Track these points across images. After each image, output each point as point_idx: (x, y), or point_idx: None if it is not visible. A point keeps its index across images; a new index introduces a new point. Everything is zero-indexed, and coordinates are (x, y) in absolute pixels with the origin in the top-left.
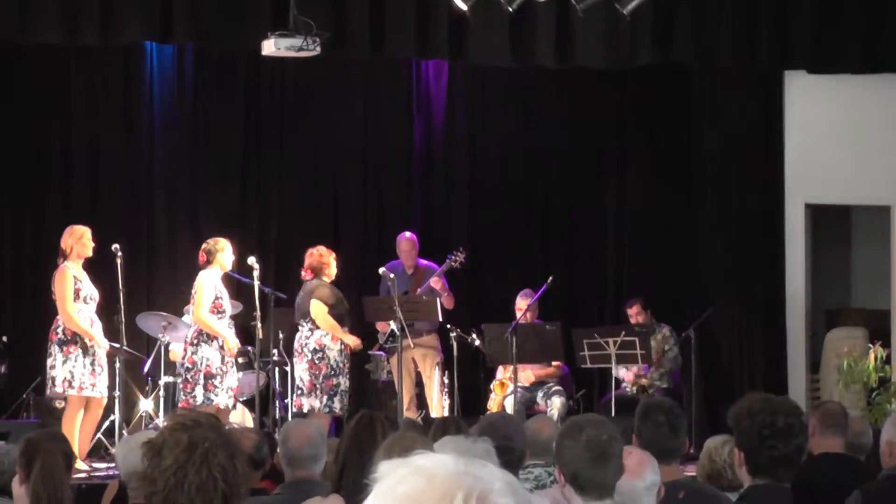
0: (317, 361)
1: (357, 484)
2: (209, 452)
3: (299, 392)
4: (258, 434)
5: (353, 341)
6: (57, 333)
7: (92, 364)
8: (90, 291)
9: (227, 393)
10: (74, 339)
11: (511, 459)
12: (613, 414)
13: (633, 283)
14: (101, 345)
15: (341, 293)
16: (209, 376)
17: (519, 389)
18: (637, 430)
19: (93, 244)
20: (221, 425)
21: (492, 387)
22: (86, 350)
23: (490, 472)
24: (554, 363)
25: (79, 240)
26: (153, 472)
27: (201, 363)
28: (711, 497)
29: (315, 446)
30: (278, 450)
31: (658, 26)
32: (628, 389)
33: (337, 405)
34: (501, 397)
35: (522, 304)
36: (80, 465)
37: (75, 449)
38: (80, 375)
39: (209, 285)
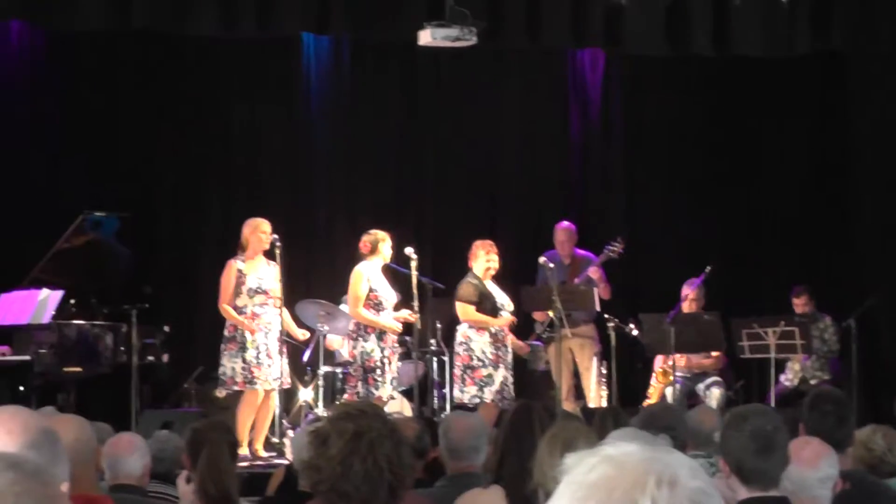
0: (462, 353)
1: (516, 474)
2: (375, 442)
3: (455, 382)
4: (420, 423)
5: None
6: (225, 330)
7: (256, 357)
8: (256, 284)
9: (391, 384)
10: (234, 335)
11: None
12: (773, 404)
13: (791, 272)
14: (250, 328)
15: (486, 287)
16: (369, 370)
17: (679, 379)
18: (804, 420)
19: (267, 237)
20: (386, 415)
21: (653, 375)
22: (244, 346)
23: (677, 458)
24: (713, 353)
25: (252, 232)
26: (319, 460)
27: (360, 358)
28: (877, 488)
29: (476, 437)
30: (440, 441)
31: (817, 13)
32: (788, 382)
33: (487, 395)
34: (662, 386)
35: (688, 290)
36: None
37: (242, 439)
38: (240, 370)
39: (363, 280)
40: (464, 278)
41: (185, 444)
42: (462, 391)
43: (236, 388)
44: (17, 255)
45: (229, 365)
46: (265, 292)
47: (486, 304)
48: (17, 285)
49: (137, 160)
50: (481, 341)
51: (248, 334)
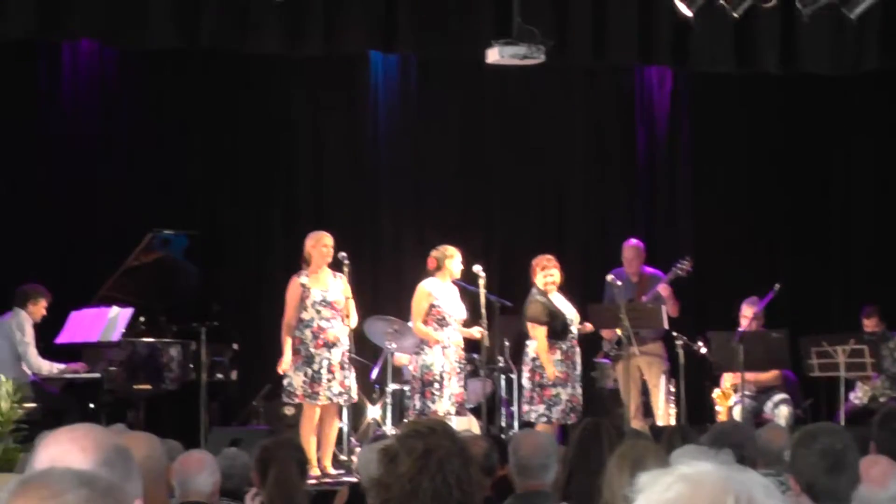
0: (534, 370)
1: (584, 492)
2: (444, 460)
3: (524, 400)
4: (488, 441)
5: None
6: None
7: (318, 372)
8: (321, 297)
9: (450, 400)
10: (299, 349)
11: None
12: (843, 423)
13: (860, 290)
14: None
15: (554, 304)
16: (427, 383)
17: (745, 398)
18: (875, 438)
19: (330, 250)
20: (455, 433)
21: (714, 397)
22: (310, 360)
23: (751, 477)
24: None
25: (315, 245)
26: (388, 478)
27: (420, 371)
28: None
29: (546, 456)
30: (509, 459)
31: (885, 30)
32: (858, 400)
33: (555, 414)
34: (726, 408)
35: (748, 311)
36: (315, 471)
37: (309, 455)
38: (301, 384)
39: (424, 296)
40: (529, 296)
41: (255, 461)
42: (531, 409)
43: (297, 400)
44: (87, 273)
45: (294, 378)
46: (331, 304)
47: (556, 324)
48: (88, 303)
49: (205, 178)
50: (551, 367)
51: (313, 348)
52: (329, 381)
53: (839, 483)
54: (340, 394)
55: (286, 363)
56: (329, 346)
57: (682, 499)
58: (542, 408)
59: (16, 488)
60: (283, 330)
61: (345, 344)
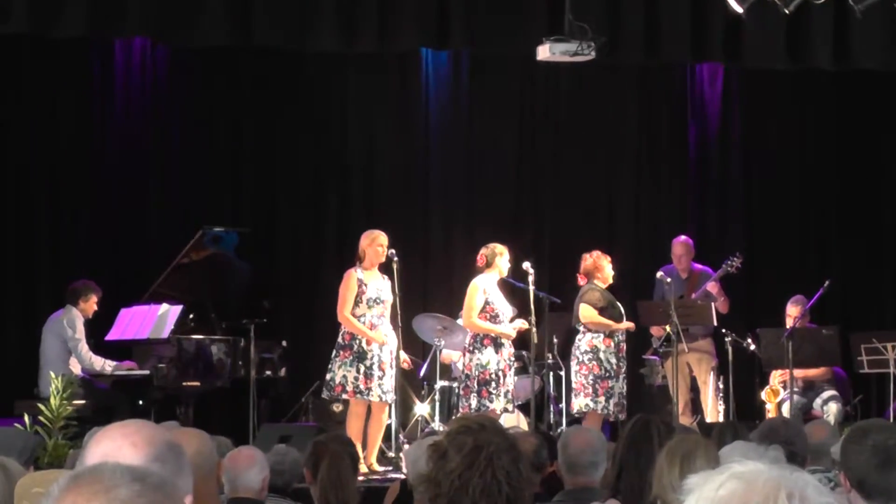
0: (588, 362)
1: (634, 488)
2: (494, 456)
3: (575, 395)
4: (537, 437)
5: (627, 325)
6: (339, 338)
7: (370, 368)
8: (375, 295)
9: (506, 397)
10: (350, 344)
11: (792, 464)
12: (893, 419)
13: None
14: (377, 339)
15: (613, 297)
16: (484, 383)
17: (794, 395)
18: None
19: (384, 249)
20: (505, 429)
21: (763, 395)
22: (362, 355)
23: (803, 476)
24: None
25: (370, 244)
26: (438, 474)
27: (475, 370)
28: None
29: (595, 452)
30: (558, 456)
31: None
32: None
33: (612, 408)
34: (775, 405)
35: (793, 310)
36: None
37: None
38: (352, 380)
39: (479, 291)
40: (587, 287)
41: (307, 456)
42: (595, 401)
43: (345, 396)
44: (139, 270)
45: (341, 373)
46: (383, 303)
47: (610, 312)
48: (138, 300)
49: (257, 175)
50: (608, 352)
51: (365, 344)
52: (380, 378)
53: (890, 479)
54: (388, 392)
55: (380, 336)
56: (380, 343)
57: (735, 496)
58: (603, 400)
59: (67, 483)
60: (344, 318)
61: (393, 342)
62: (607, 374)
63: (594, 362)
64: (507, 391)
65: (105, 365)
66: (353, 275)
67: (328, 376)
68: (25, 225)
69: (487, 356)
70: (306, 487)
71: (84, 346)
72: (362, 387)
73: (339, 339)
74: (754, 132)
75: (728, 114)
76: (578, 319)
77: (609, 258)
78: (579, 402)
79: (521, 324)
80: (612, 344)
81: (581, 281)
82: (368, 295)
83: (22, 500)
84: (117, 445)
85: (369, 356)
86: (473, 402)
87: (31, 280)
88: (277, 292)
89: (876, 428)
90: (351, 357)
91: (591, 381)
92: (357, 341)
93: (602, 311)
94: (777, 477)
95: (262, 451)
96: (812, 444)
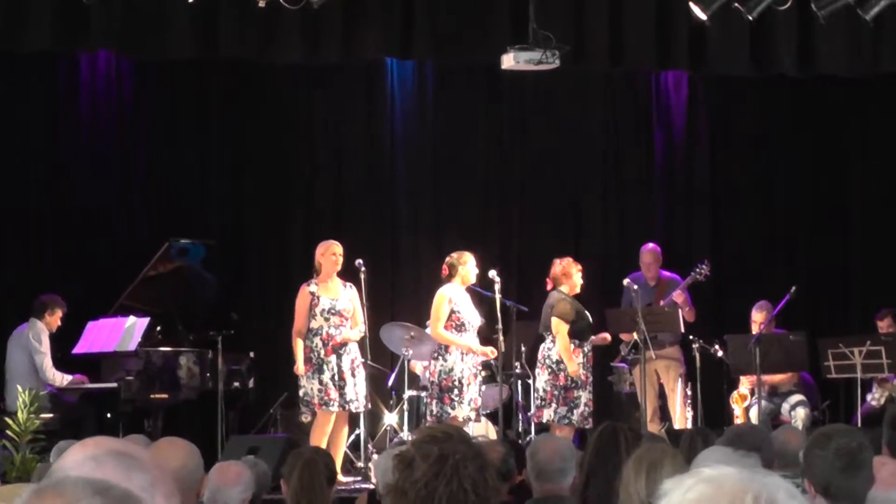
0: (557, 372)
1: (602, 496)
2: (460, 464)
3: (539, 403)
4: (505, 446)
5: (492, 351)
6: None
7: (332, 380)
8: (330, 305)
9: (469, 405)
10: (310, 357)
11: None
12: (860, 424)
13: (878, 292)
14: (487, 352)
15: (581, 306)
16: (446, 389)
17: (762, 401)
18: (887, 440)
19: (339, 258)
20: (471, 438)
21: (731, 400)
22: (320, 368)
23: (773, 480)
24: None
25: (324, 253)
26: (404, 483)
27: (438, 376)
28: None
29: (564, 460)
30: (527, 463)
31: None
32: (875, 401)
33: (576, 417)
34: (743, 410)
35: (758, 316)
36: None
37: None
38: (317, 392)
39: (445, 301)
40: (555, 295)
41: (284, 469)
42: (556, 411)
43: (314, 408)
44: (105, 283)
45: (308, 386)
46: (340, 313)
47: (580, 324)
48: (105, 313)
49: (223, 187)
50: (574, 364)
51: (323, 355)
52: (341, 387)
53: (855, 483)
54: (351, 401)
55: (301, 367)
56: (338, 352)
57: (704, 499)
58: (564, 409)
59: (30, 497)
60: (294, 336)
61: (353, 351)
62: (573, 385)
63: (562, 373)
64: (471, 399)
65: (63, 379)
66: (305, 289)
67: (300, 392)
68: None
69: (451, 363)
70: (276, 499)
71: (48, 361)
72: (326, 398)
73: (306, 354)
74: (720, 139)
75: (693, 120)
76: (547, 327)
77: (580, 267)
78: (548, 413)
79: (490, 352)
80: (581, 354)
81: (549, 286)
82: (322, 306)
83: None
84: (80, 460)
85: (327, 368)
86: (436, 409)
87: None
88: (245, 304)
89: (839, 432)
90: (312, 370)
91: (558, 392)
92: (315, 354)
93: (572, 324)
94: (745, 480)
95: (251, 472)
96: (783, 449)
